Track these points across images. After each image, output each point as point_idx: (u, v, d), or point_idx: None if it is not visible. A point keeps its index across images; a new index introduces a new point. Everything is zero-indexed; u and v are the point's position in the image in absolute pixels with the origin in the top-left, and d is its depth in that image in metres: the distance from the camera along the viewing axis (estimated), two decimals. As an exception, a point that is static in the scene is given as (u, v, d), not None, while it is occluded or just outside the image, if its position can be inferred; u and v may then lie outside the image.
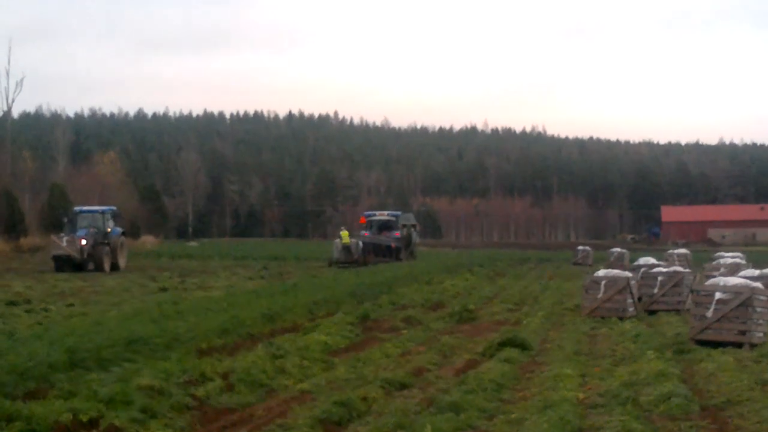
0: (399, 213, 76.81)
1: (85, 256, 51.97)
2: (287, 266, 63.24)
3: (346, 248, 62.52)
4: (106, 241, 53.77)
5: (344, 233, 64.41)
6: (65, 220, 56.79)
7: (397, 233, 68.91)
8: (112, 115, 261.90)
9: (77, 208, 59.22)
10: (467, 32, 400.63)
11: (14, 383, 13.56)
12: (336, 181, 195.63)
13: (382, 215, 74.47)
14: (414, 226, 74.65)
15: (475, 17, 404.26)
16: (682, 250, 57.87)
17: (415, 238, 73.84)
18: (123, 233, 56.89)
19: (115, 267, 53.39)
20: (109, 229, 54.47)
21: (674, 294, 29.85)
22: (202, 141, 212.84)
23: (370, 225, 70.95)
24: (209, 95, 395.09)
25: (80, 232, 52.91)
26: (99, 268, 52.21)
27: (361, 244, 64.15)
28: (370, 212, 78.46)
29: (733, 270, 36.52)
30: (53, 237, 54.36)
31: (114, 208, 60.20)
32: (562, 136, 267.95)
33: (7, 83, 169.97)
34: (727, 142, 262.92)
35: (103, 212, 56.03)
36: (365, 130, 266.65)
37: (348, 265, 59.79)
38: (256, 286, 40.10)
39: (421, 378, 16.82)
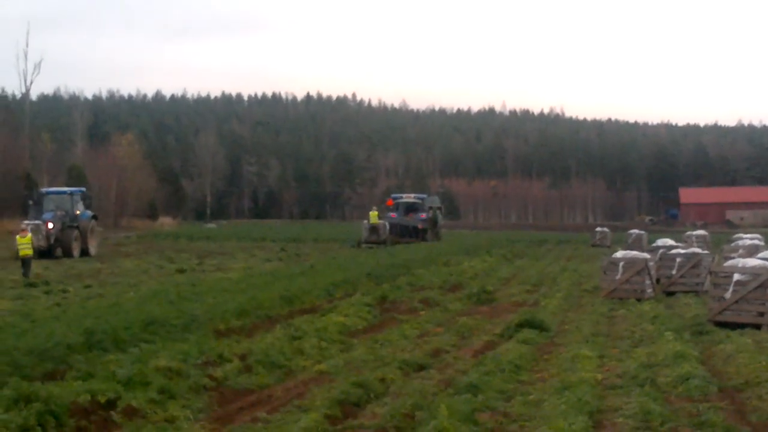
0: (425, 196, 79.62)
1: (52, 241, 47.78)
2: (305, 248, 63.36)
3: (374, 229, 63.58)
4: (74, 225, 49.69)
5: (373, 213, 65.70)
6: (30, 202, 52.57)
7: (423, 215, 70.84)
8: (131, 97, 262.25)
9: (44, 190, 55.83)
10: (486, 14, 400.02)
11: (32, 364, 13.61)
12: (354, 163, 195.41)
13: (409, 197, 76.19)
14: (439, 208, 76.95)
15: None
16: (701, 232, 57.56)
17: (440, 220, 75.88)
18: (94, 217, 52.60)
19: (84, 253, 49.38)
20: (78, 212, 50.53)
21: (692, 275, 29.77)
22: (220, 123, 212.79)
23: (397, 207, 72.76)
24: (227, 77, 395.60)
25: (46, 215, 48.96)
26: (67, 253, 48.20)
27: (388, 225, 65.30)
28: (397, 195, 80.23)
29: (752, 251, 36.32)
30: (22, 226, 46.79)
31: (83, 189, 56.57)
32: (581, 117, 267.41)
33: (26, 65, 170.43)
34: (746, 124, 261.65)
35: (71, 193, 52.13)
36: (383, 111, 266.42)
37: (375, 245, 60.81)
38: (273, 268, 40.15)
39: (439, 359, 16.83)
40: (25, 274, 34.87)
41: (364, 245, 61.71)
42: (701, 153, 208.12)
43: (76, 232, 49.25)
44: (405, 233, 68.19)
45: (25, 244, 35.90)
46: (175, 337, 17.09)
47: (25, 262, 35.61)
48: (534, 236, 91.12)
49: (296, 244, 69.57)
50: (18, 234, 37.78)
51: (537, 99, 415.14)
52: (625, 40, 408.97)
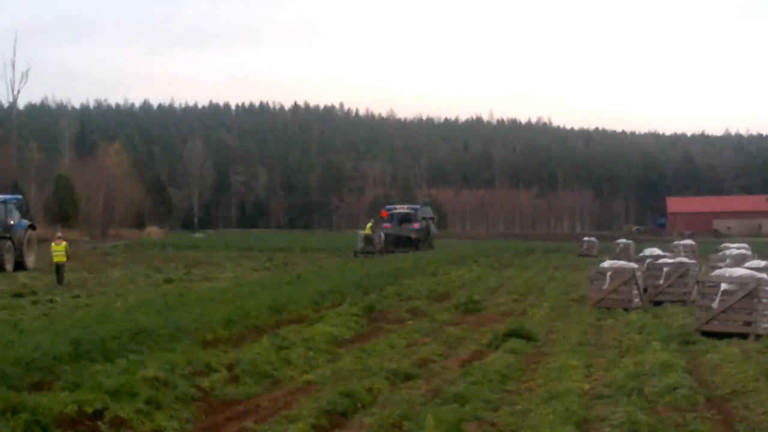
0: (418, 206, 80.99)
1: None
2: (293, 257, 63.37)
3: (368, 239, 64.84)
4: (7, 236, 44.69)
5: (369, 225, 68.58)
6: None
7: (416, 225, 72.23)
8: (118, 106, 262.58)
9: None
10: (473, 23, 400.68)
11: (19, 375, 13.55)
12: (341, 172, 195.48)
13: (402, 208, 77.35)
14: (432, 218, 78.27)
15: (482, 8, 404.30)
16: (688, 241, 57.57)
17: (433, 230, 77.28)
18: (31, 227, 47.94)
19: (20, 266, 44.67)
20: (11, 222, 45.69)
21: (680, 285, 29.81)
22: (207, 132, 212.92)
23: (391, 218, 73.96)
24: (215, 87, 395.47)
25: None
26: None
27: (383, 235, 66.65)
28: (391, 206, 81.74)
29: (739, 261, 36.42)
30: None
31: (19, 197, 53.01)
32: (568, 127, 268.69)
33: (13, 74, 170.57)
34: (733, 133, 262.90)
35: (5, 202, 46.87)
36: (371, 121, 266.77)
37: (370, 255, 61.72)
38: (261, 278, 40.09)
39: (427, 369, 16.81)
40: (59, 281, 35.73)
41: (360, 255, 62.34)
42: (689, 162, 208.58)
43: (8, 244, 44.43)
44: (399, 243, 69.27)
45: (59, 251, 36.53)
46: (162, 347, 17.03)
47: (59, 269, 36.31)
48: (521, 245, 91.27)
49: (284, 253, 69.61)
50: (53, 242, 38.04)
51: (524, 108, 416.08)
52: (612, 50, 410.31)
